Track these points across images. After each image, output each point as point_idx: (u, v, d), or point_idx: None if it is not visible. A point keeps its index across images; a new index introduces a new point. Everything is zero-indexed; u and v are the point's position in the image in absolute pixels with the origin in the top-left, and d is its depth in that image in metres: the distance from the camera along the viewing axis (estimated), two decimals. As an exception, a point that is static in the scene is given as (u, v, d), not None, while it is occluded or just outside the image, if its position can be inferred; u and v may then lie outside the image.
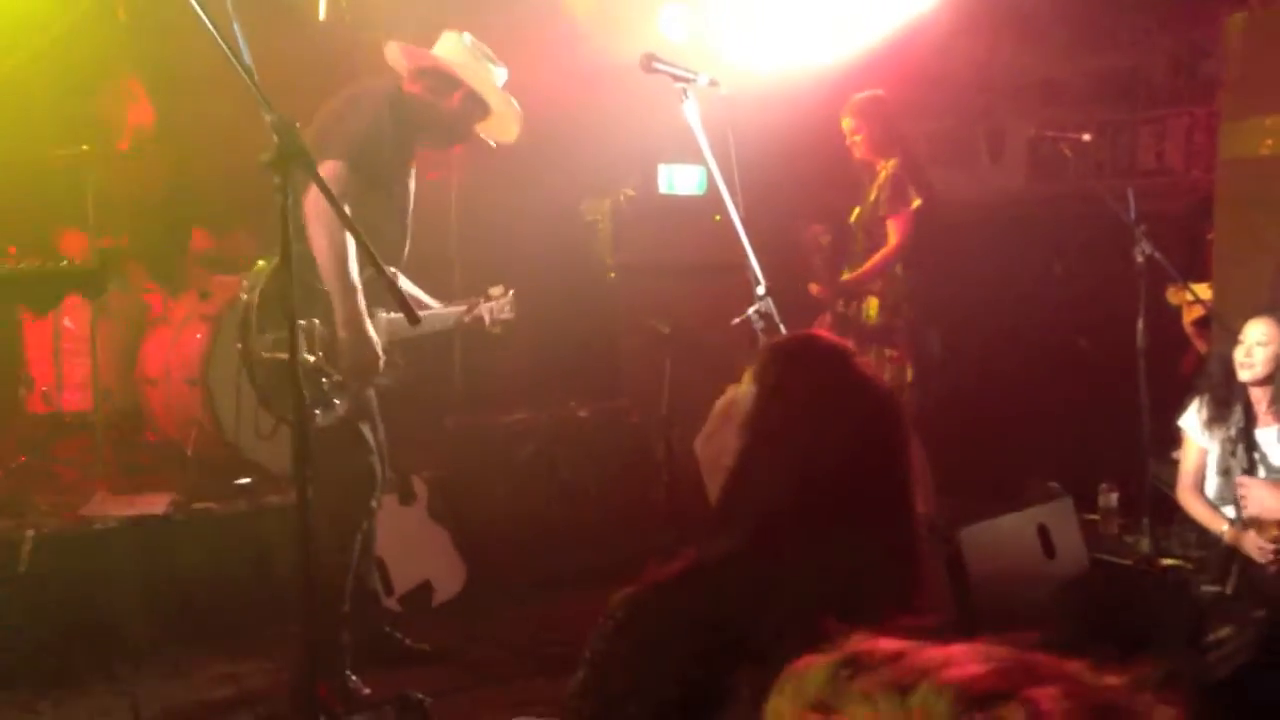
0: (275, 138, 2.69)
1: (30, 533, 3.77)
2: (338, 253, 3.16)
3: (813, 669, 1.01)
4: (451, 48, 3.62)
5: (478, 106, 3.59)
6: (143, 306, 4.75)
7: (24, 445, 4.57)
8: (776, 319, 3.89)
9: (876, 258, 4.73)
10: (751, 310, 3.90)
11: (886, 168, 4.78)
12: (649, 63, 3.83)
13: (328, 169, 3.11)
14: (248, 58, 2.72)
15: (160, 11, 4.89)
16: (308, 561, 2.71)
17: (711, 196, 6.13)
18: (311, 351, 3.29)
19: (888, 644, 1.03)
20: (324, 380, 3.28)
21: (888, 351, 4.72)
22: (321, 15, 5.02)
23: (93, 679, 3.61)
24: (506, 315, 3.88)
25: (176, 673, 3.68)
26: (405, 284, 3.56)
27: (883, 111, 4.85)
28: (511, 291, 3.93)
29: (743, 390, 1.38)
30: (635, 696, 1.16)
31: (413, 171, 3.60)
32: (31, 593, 3.71)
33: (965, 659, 0.70)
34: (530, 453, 5.22)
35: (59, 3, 4.71)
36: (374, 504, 3.52)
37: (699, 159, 6.77)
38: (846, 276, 4.82)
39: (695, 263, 5.57)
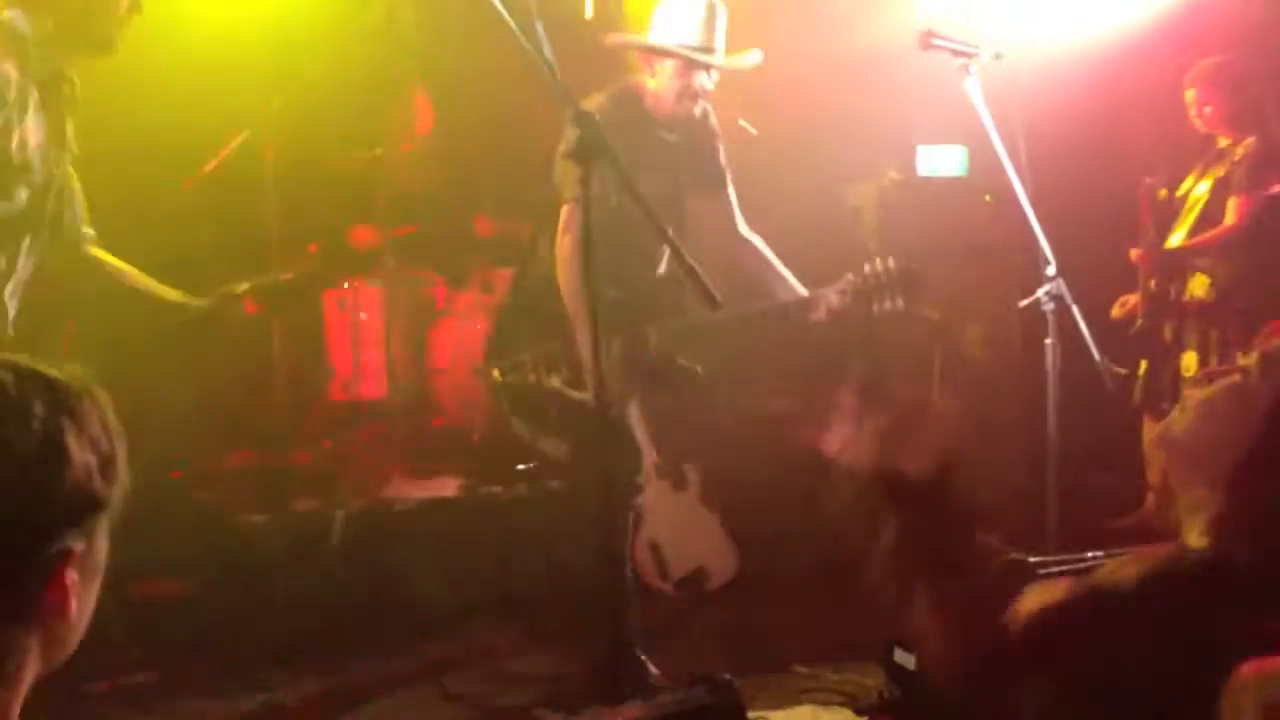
0: (576, 131, 2.77)
1: (340, 512, 4.06)
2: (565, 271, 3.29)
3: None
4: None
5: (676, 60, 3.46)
6: (429, 300, 5.01)
7: (327, 431, 4.91)
8: (1069, 300, 3.71)
9: (1212, 233, 4.39)
10: (1041, 291, 3.74)
11: (1244, 144, 4.40)
12: (928, 39, 3.71)
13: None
14: (549, 53, 2.80)
15: (438, 14, 5.14)
16: (612, 543, 2.79)
17: (975, 177, 5.91)
18: (553, 373, 3.40)
19: None
20: (557, 406, 3.38)
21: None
22: (588, 14, 5.14)
23: (398, 649, 3.83)
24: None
25: (474, 648, 3.86)
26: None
27: (1239, 80, 4.45)
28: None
29: (1250, 379, 1.33)
30: (1135, 663, 1.15)
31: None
32: (341, 567, 4.01)
33: None
34: (792, 439, 5.18)
35: (348, 14, 5.01)
36: (640, 480, 3.58)
37: (960, 138, 6.50)
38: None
39: (962, 246, 5.39)
